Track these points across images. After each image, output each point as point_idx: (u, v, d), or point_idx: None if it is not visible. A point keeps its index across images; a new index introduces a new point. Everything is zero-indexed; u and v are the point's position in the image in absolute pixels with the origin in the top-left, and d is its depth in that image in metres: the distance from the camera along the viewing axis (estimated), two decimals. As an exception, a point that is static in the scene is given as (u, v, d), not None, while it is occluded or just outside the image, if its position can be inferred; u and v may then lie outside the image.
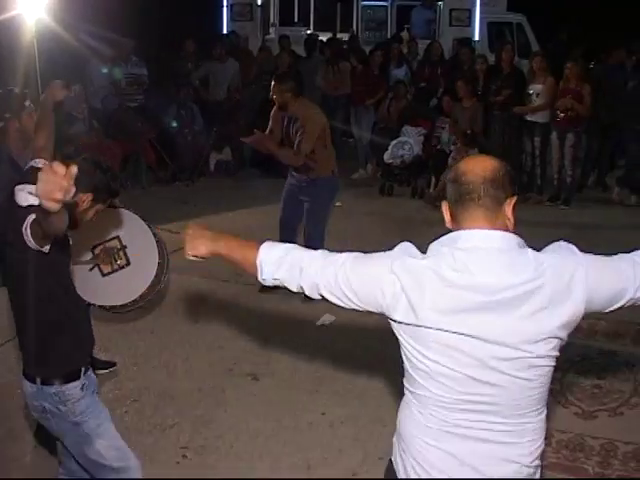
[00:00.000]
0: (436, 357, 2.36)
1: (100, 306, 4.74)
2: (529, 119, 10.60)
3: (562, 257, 2.38)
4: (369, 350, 5.85)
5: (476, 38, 16.29)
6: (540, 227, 8.13)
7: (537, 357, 2.34)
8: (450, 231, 2.44)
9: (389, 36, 16.52)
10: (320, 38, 14.93)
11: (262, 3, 16.98)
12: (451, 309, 2.30)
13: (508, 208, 2.39)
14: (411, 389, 2.50)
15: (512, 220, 2.41)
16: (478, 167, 2.39)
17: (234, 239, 2.75)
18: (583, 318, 2.39)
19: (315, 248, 7.54)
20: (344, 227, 9.10)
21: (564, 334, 2.36)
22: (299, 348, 6.00)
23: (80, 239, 4.06)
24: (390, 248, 2.48)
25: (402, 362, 2.51)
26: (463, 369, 2.34)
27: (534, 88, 10.49)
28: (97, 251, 4.70)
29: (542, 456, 2.54)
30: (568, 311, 2.32)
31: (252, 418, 5.08)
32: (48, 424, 3.53)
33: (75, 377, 3.42)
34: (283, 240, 7.38)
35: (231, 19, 16.74)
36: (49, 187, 2.29)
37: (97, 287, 4.64)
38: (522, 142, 10.79)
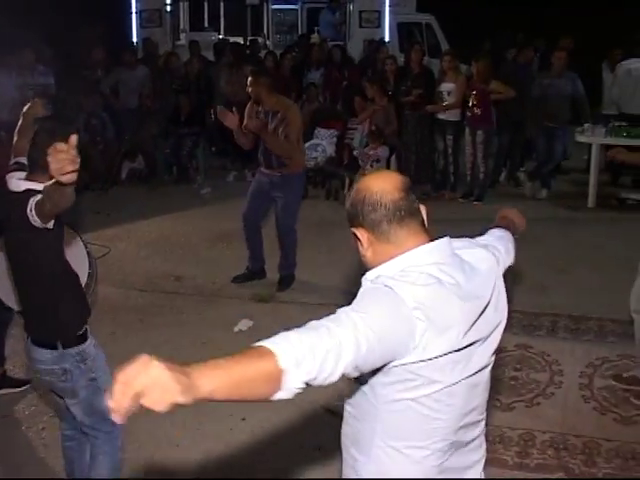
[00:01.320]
0: (453, 377, 2.24)
1: None
2: (441, 118, 10.74)
3: (484, 247, 2.50)
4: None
5: (386, 39, 16.43)
6: (454, 224, 8.20)
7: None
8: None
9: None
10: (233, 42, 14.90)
11: (171, 9, 16.86)
12: (472, 322, 2.25)
13: (424, 215, 2.38)
14: (406, 429, 2.30)
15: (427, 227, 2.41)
16: (393, 183, 2.29)
17: (210, 364, 1.93)
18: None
19: (289, 241, 7.40)
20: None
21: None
22: (217, 354, 5.92)
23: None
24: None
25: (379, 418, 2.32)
26: (469, 379, 2.31)
27: (445, 87, 10.64)
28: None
29: None
30: (502, 284, 2.46)
31: (172, 427, 5.00)
32: (63, 385, 3.84)
33: (87, 337, 3.85)
34: (248, 236, 7.57)
35: (140, 25, 16.55)
36: (60, 164, 2.69)
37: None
38: (434, 140, 10.93)
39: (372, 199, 2.27)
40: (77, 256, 4.74)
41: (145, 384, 1.71)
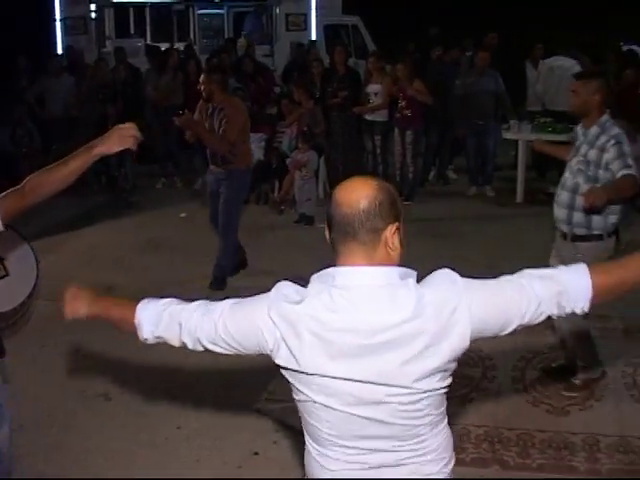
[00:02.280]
0: (323, 400, 2.25)
1: None
2: (368, 118, 10.81)
3: (443, 290, 2.23)
4: (221, 363, 5.75)
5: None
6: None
7: (428, 391, 2.23)
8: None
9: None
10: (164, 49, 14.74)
11: (96, 16, 16.66)
12: (333, 354, 2.19)
13: (390, 236, 2.22)
14: (306, 429, 2.41)
15: (397, 248, 2.25)
16: (353, 198, 2.21)
17: (111, 299, 2.86)
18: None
19: (229, 240, 7.42)
20: (188, 239, 9.04)
21: (453, 365, 2.27)
22: (151, 365, 5.87)
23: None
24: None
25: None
26: (352, 410, 2.24)
27: (371, 88, 10.71)
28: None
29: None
30: (453, 345, 2.20)
31: (106, 439, 4.94)
32: None
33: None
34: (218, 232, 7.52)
35: (65, 33, 16.34)
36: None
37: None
38: (362, 141, 10.98)
39: (333, 205, 2.26)
40: (22, 260, 4.70)
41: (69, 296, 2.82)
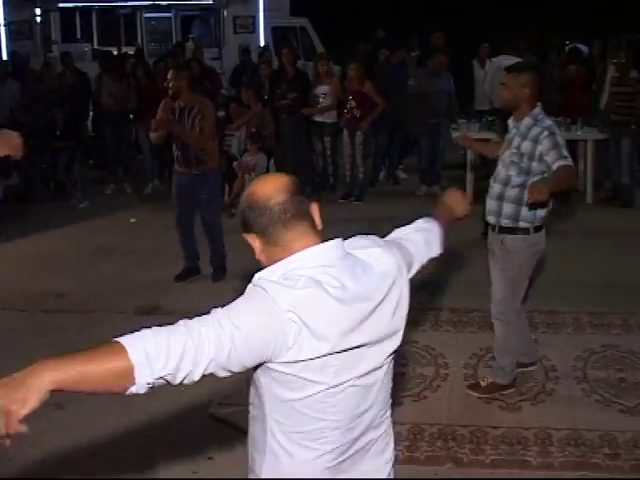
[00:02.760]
0: (337, 379, 2.24)
1: None
2: (318, 120, 10.81)
3: (387, 246, 2.45)
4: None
5: (261, 44, 16.45)
6: (336, 224, 8.24)
7: (398, 346, 2.41)
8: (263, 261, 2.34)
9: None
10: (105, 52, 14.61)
11: (42, 20, 16.48)
12: (352, 326, 2.22)
13: (315, 215, 2.35)
14: (294, 429, 2.30)
15: (321, 226, 2.36)
16: (277, 185, 2.28)
17: (68, 357, 1.98)
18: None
19: (216, 236, 7.65)
20: (139, 244, 8.98)
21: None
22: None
23: None
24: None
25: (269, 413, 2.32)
26: (358, 380, 2.29)
27: (320, 90, 10.72)
28: None
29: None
30: (408, 287, 2.44)
31: (58, 449, 4.88)
32: None
33: None
34: (183, 238, 7.54)
35: (10, 38, 16.15)
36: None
37: None
38: (312, 143, 11.00)
39: (257, 204, 2.26)
40: None
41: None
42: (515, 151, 5.03)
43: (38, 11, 16.56)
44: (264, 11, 17.13)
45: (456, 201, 3.07)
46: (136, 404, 5.35)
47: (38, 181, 11.76)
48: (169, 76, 7.35)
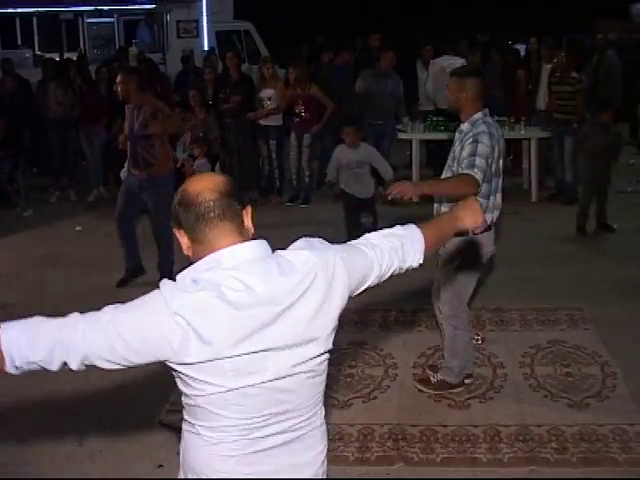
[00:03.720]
0: (237, 383, 2.26)
1: None
2: (263, 123, 10.78)
3: (322, 251, 2.42)
4: (124, 378, 5.63)
5: (205, 48, 16.39)
6: (284, 228, 8.32)
7: (327, 350, 2.42)
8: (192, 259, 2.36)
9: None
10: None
11: (-20, 26, 16.27)
12: (249, 332, 2.23)
13: (247, 219, 2.37)
14: (202, 423, 2.35)
15: (252, 230, 2.39)
16: (209, 184, 2.31)
17: None
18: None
19: (165, 243, 7.43)
20: (85, 252, 8.88)
21: (337, 321, 2.45)
22: (51, 378, 5.70)
23: None
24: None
25: (183, 401, 2.40)
26: (266, 384, 2.29)
27: (265, 93, 10.70)
28: None
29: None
30: (341, 294, 2.42)
31: (2, 464, 4.77)
32: None
33: None
34: (123, 236, 7.43)
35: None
36: None
37: None
38: (258, 146, 10.95)
39: (186, 200, 2.30)
40: None
41: None
42: (452, 154, 5.08)
43: (-24, 17, 16.37)
44: (207, 15, 17.09)
45: (468, 212, 2.84)
46: (83, 414, 5.32)
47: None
48: (117, 80, 7.28)
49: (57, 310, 2.47)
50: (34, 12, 17.43)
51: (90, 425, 5.17)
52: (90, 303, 7.30)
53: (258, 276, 2.26)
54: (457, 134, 5.14)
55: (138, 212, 7.70)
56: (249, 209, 2.38)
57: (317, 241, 2.50)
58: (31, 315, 2.28)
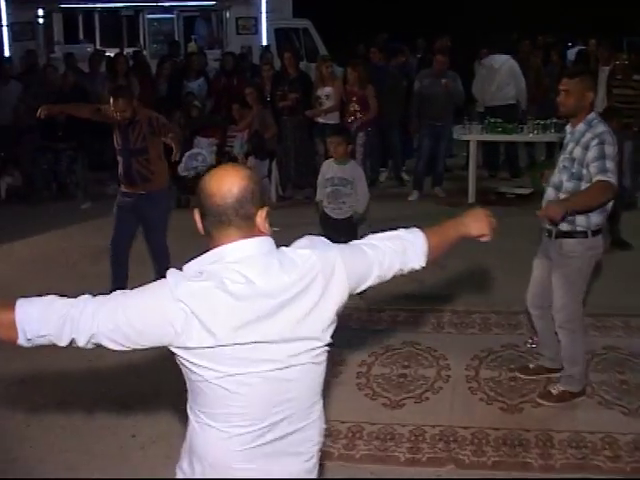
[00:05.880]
0: (235, 370, 2.35)
1: None
2: (320, 121, 10.80)
3: (323, 249, 2.51)
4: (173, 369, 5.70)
5: (263, 44, 16.46)
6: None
7: (326, 343, 2.50)
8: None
9: (182, 49, 16.28)
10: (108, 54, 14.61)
11: (44, 21, 16.49)
12: (246, 321, 2.33)
13: (260, 220, 2.43)
14: (204, 410, 2.46)
15: (267, 230, 2.47)
16: (225, 187, 2.38)
17: None
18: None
19: (161, 259, 7.08)
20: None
21: (336, 315, 2.53)
22: (100, 374, 5.78)
23: None
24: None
25: (188, 388, 2.51)
26: (266, 375, 2.38)
27: (323, 91, 10.72)
28: None
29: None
30: (339, 292, 2.50)
31: (60, 450, 4.87)
32: None
33: None
34: (115, 262, 7.34)
35: (13, 39, 16.16)
36: None
37: None
38: (314, 144, 10.97)
39: (204, 193, 2.42)
40: None
41: None
42: (567, 156, 4.99)
43: (41, 12, 16.59)
44: (266, 12, 17.15)
45: (474, 220, 2.97)
46: (136, 406, 5.37)
47: (40, 182, 11.76)
48: (114, 107, 6.65)
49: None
50: (96, 8, 17.66)
51: (143, 417, 5.22)
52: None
53: (259, 270, 2.37)
54: (568, 135, 5.08)
55: (134, 236, 7.34)
56: (265, 211, 2.45)
57: (320, 240, 2.60)
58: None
